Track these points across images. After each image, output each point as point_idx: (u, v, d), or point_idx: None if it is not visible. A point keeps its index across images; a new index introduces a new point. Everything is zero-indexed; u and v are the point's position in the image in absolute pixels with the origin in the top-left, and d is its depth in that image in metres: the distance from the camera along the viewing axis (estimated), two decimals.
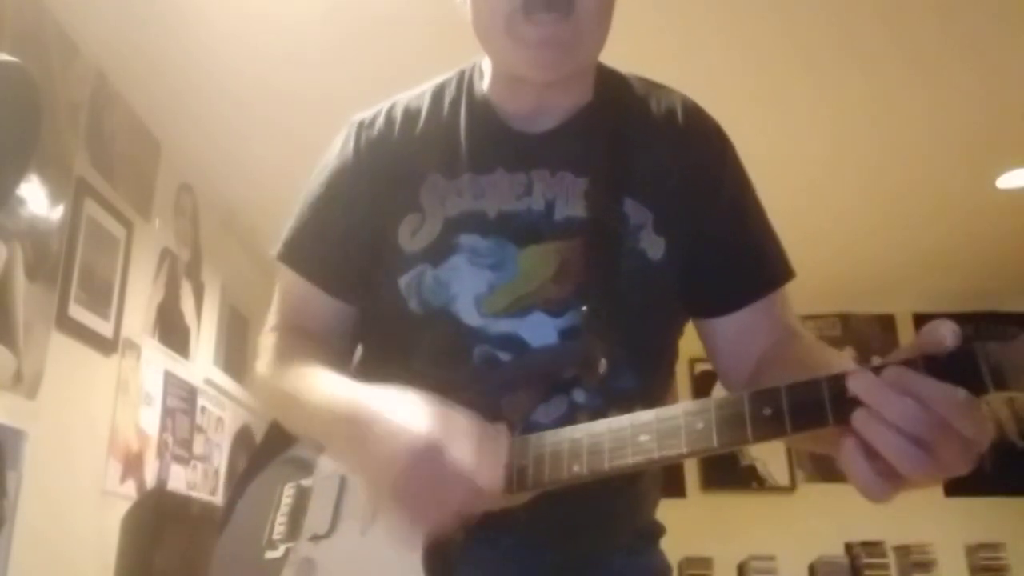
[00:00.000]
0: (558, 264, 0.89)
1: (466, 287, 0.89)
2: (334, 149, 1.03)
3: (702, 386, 4.62)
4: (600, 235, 0.89)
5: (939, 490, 4.48)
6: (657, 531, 0.99)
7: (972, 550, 4.28)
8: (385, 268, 0.94)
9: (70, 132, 2.34)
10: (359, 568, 0.84)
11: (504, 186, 0.92)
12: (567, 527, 0.86)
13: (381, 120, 1.01)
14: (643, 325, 0.90)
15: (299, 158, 3.48)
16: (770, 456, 4.55)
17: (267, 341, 1.03)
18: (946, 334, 0.59)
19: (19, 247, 2.06)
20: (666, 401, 0.92)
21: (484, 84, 0.99)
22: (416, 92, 1.03)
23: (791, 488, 4.50)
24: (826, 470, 4.54)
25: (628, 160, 0.94)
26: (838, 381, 0.62)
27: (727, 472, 4.49)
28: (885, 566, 4.19)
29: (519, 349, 0.86)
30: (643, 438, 0.70)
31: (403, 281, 0.91)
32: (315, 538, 0.88)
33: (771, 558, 4.15)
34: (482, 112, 0.97)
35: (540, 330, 0.87)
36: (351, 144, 1.01)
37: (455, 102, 0.99)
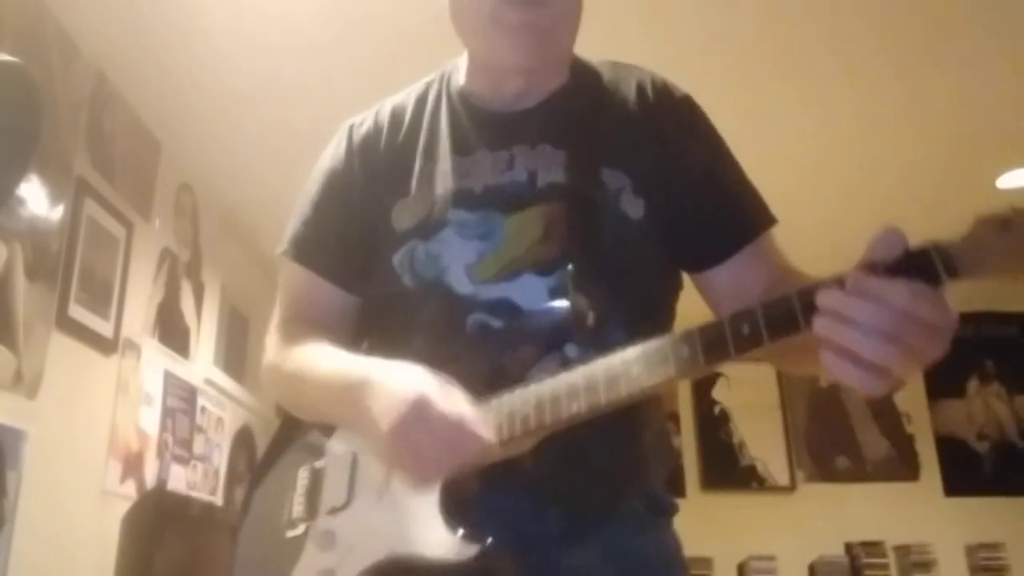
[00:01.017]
0: (544, 226, 0.94)
1: (456, 257, 0.94)
2: (329, 151, 1.11)
3: (702, 385, 4.63)
4: (581, 199, 0.95)
5: (939, 490, 4.49)
6: (668, 507, 1.01)
7: (972, 550, 4.28)
8: (381, 250, 0.99)
9: (70, 132, 2.34)
10: (378, 529, 0.87)
11: (487, 164, 0.99)
12: (572, 482, 0.89)
13: (370, 121, 1.09)
14: (629, 279, 0.94)
15: (299, 158, 3.48)
16: (770, 456, 4.56)
17: (273, 337, 1.07)
18: (895, 239, 0.67)
19: (19, 247, 2.06)
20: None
21: (461, 78, 1.07)
22: (402, 93, 1.11)
23: (791, 488, 4.50)
24: (826, 470, 4.55)
25: (603, 132, 1.00)
26: (807, 294, 0.68)
27: (727, 472, 4.49)
28: (885, 566, 4.19)
29: (510, 313, 0.90)
30: (635, 370, 0.76)
31: (396, 258, 0.97)
32: (333, 511, 0.92)
33: (771, 558, 4.15)
34: (462, 101, 1.05)
35: (531, 291, 0.91)
36: (343, 144, 1.09)
37: (437, 97, 1.07)
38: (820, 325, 0.66)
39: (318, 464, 0.97)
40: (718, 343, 0.72)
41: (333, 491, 0.94)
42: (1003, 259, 0.66)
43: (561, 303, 0.88)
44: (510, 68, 1.00)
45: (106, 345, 2.49)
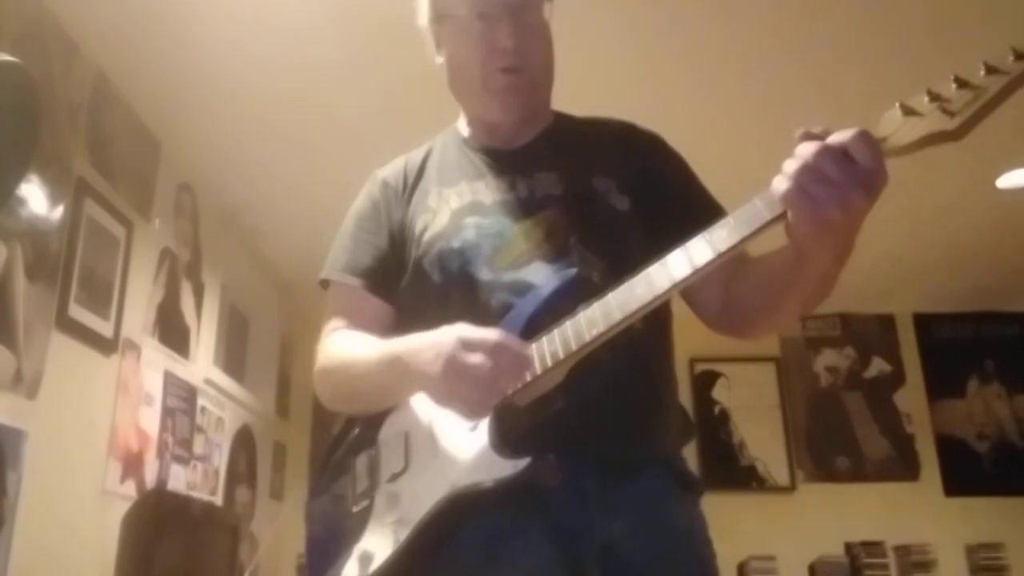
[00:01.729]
0: (546, 229, 1.12)
1: (477, 252, 1.11)
2: (359, 197, 1.30)
3: (702, 385, 4.64)
4: (577, 201, 1.14)
5: (939, 490, 4.49)
6: (695, 482, 1.13)
7: (972, 550, 4.28)
8: (411, 257, 1.17)
9: (70, 132, 2.34)
10: (437, 476, 1.00)
11: (493, 185, 1.18)
12: (600, 432, 1.03)
13: (390, 168, 1.29)
14: (625, 252, 1.07)
15: (298, 158, 3.51)
16: (770, 456, 4.56)
17: (321, 347, 1.21)
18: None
19: (19, 247, 2.06)
20: (664, 319, 1.15)
21: (463, 131, 1.30)
22: (417, 149, 1.32)
23: (791, 488, 4.50)
24: (826, 470, 4.55)
25: (588, 153, 1.21)
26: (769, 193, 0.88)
27: (727, 472, 4.49)
28: (885, 566, 4.19)
29: (527, 290, 1.06)
30: (639, 290, 0.93)
31: (426, 261, 1.14)
32: (393, 477, 1.05)
33: (771, 558, 4.15)
34: (466, 145, 1.27)
35: (542, 274, 1.07)
36: (367, 189, 1.29)
37: (443, 145, 1.29)
38: (785, 164, 0.86)
39: (372, 451, 1.10)
40: (719, 237, 0.90)
41: (391, 462, 1.06)
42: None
43: (569, 270, 1.03)
44: (501, 123, 1.22)
45: (106, 345, 2.49)
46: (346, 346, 1.16)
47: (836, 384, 4.74)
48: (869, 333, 4.81)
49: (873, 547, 4.20)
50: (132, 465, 2.61)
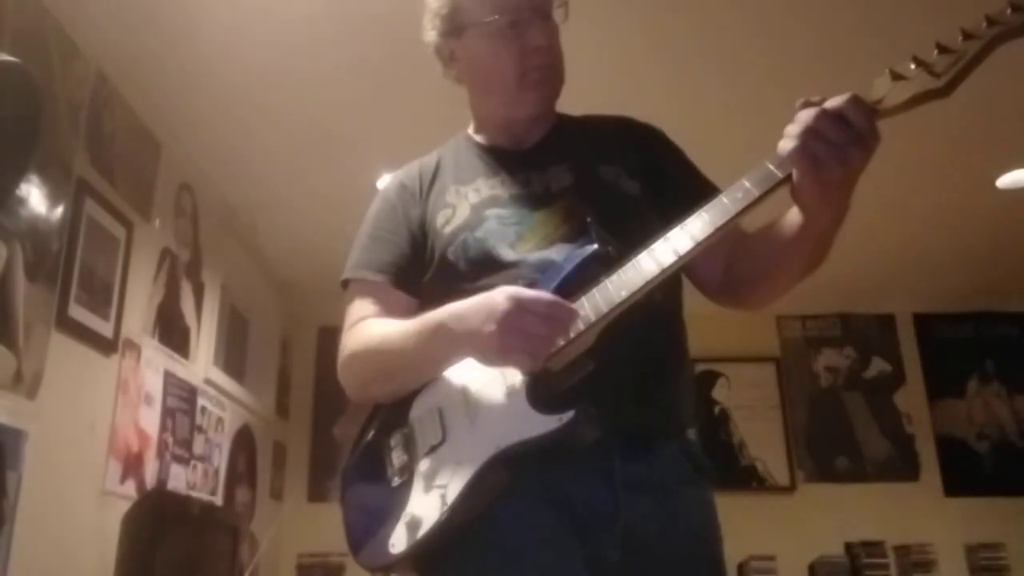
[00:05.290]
0: (565, 212, 1.18)
1: (500, 239, 1.17)
2: (376, 200, 1.34)
3: (702, 385, 4.64)
4: (589, 188, 1.21)
5: (939, 490, 4.49)
6: (707, 465, 1.18)
7: (972, 550, 4.28)
8: (434, 251, 1.22)
9: (70, 132, 2.34)
10: (478, 441, 1.04)
11: (509, 182, 1.24)
12: (628, 381, 1.08)
13: (405, 171, 1.34)
14: (640, 232, 1.11)
15: (298, 159, 3.51)
16: (770, 456, 4.56)
17: (348, 336, 1.24)
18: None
19: (19, 247, 2.06)
20: (678, 290, 1.23)
21: (475, 138, 1.35)
22: (427, 156, 1.36)
23: (791, 488, 4.50)
24: (826, 470, 4.55)
25: (592, 144, 1.28)
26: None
27: (727, 472, 4.49)
28: (885, 566, 4.19)
29: (551, 267, 1.10)
30: (661, 253, 1.00)
31: (451, 251, 1.19)
32: (432, 449, 1.08)
33: (771, 558, 4.15)
34: (480, 148, 1.32)
35: (564, 253, 1.11)
36: (382, 191, 1.34)
37: (456, 150, 1.34)
38: (788, 128, 0.94)
39: (405, 429, 1.13)
40: (722, 213, 0.98)
41: (428, 436, 1.09)
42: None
43: (589, 245, 1.07)
44: (530, 116, 1.27)
45: (106, 345, 2.49)
46: (379, 328, 1.19)
47: (836, 384, 4.74)
48: (869, 333, 4.81)
49: (873, 547, 4.20)
50: (132, 465, 2.61)
